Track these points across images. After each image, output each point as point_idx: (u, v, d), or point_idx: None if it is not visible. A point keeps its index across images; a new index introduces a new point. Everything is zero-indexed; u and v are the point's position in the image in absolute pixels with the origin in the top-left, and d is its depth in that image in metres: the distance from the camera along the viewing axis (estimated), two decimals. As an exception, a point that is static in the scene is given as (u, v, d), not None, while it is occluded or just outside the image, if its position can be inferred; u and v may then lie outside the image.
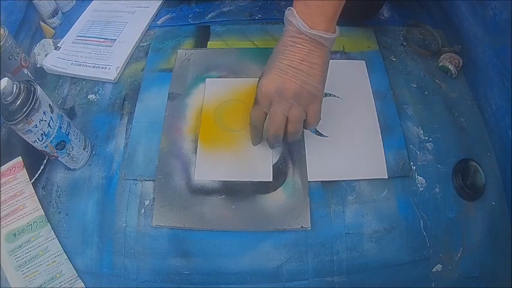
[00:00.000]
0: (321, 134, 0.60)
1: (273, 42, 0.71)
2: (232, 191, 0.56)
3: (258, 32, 0.74)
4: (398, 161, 0.58)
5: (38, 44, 0.74)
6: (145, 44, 0.74)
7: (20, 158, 0.58)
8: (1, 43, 0.60)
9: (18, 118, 0.48)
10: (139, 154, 0.60)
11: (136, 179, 0.58)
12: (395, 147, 0.59)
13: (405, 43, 0.72)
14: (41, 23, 0.78)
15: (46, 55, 0.73)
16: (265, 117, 0.53)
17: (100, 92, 0.68)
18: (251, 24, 0.76)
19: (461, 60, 0.68)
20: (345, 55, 0.69)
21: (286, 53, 0.48)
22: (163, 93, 0.66)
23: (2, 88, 0.47)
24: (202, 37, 0.74)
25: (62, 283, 0.53)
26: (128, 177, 0.58)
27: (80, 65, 0.71)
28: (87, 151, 0.60)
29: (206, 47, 0.72)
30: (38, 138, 0.51)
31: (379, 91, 0.65)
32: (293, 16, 0.47)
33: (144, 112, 0.64)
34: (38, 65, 0.72)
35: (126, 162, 0.59)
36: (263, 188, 0.56)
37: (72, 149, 0.57)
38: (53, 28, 0.79)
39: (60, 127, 0.54)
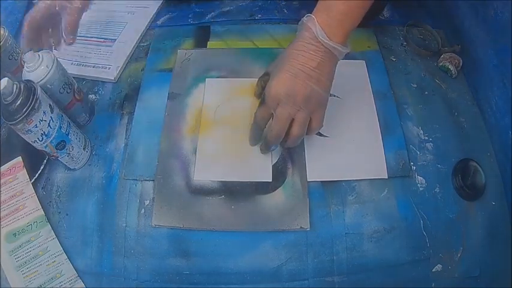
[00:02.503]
0: (321, 134, 0.60)
1: (273, 42, 0.71)
2: (231, 191, 0.56)
3: (258, 32, 0.73)
4: (398, 161, 0.58)
5: (38, 44, 0.74)
6: (145, 44, 0.74)
7: (20, 158, 0.58)
8: (1, 43, 0.60)
9: (18, 118, 0.48)
10: (139, 154, 0.60)
11: (136, 179, 0.58)
12: (396, 147, 0.59)
13: (405, 43, 0.72)
14: None
15: (46, 55, 0.72)
16: (270, 118, 0.53)
17: (100, 92, 0.68)
18: (251, 24, 0.76)
19: (461, 60, 0.68)
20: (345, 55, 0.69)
21: (298, 57, 0.49)
22: (163, 93, 0.65)
23: (2, 88, 0.47)
24: (202, 37, 0.74)
25: (62, 283, 0.53)
26: (128, 177, 0.58)
27: (80, 64, 0.70)
28: (87, 151, 0.60)
29: (206, 47, 0.72)
30: (38, 138, 0.51)
31: (379, 91, 0.65)
32: (313, 24, 0.48)
33: (144, 112, 0.64)
34: (38, 65, 0.72)
35: (126, 162, 0.59)
36: (263, 188, 0.56)
37: (72, 149, 0.57)
38: (53, 28, 0.79)
39: (60, 127, 0.54)
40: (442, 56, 0.69)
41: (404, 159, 0.58)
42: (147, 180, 0.58)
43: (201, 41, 0.73)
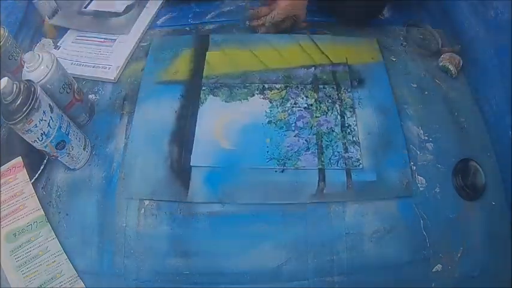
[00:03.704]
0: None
1: (272, 52, 0.70)
2: None
3: (257, 42, 0.72)
4: (401, 179, 0.57)
5: (38, 44, 0.74)
6: (146, 44, 0.74)
7: (20, 158, 0.58)
8: (1, 43, 0.60)
9: (18, 118, 0.48)
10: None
11: (132, 198, 0.57)
12: (400, 165, 0.58)
13: (405, 43, 0.72)
14: (46, 22, 0.77)
15: (46, 55, 0.72)
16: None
17: (100, 92, 0.68)
18: (250, 34, 0.75)
19: (461, 60, 0.68)
20: (348, 67, 0.67)
21: None
22: (162, 106, 0.64)
23: (2, 88, 0.47)
24: (201, 47, 0.72)
25: (62, 283, 0.53)
26: (127, 177, 0.58)
27: (80, 64, 0.70)
28: (87, 151, 0.60)
29: (205, 56, 0.70)
30: (38, 138, 0.51)
31: (382, 105, 0.63)
32: None
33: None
34: (38, 65, 0.72)
35: (126, 163, 0.59)
36: None
37: (72, 149, 0.57)
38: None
39: (60, 127, 0.54)
40: (442, 56, 0.69)
41: (408, 178, 0.57)
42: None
43: (200, 50, 0.71)
